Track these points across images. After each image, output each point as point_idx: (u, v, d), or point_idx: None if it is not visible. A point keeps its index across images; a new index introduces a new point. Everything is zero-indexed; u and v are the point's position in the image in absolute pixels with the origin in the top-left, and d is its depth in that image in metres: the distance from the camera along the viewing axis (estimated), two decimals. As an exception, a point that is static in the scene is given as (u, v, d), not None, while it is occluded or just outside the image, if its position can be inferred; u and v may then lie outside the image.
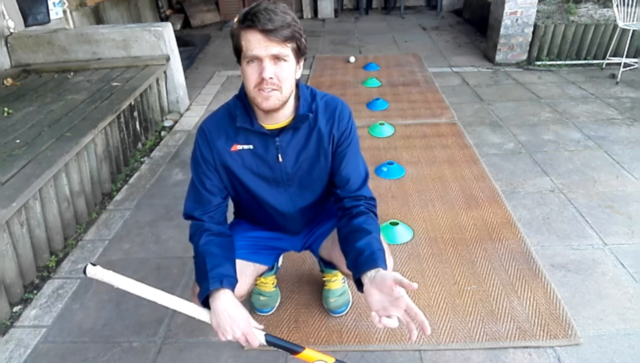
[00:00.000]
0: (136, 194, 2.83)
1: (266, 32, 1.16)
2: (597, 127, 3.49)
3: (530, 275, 2.03)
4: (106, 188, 2.86)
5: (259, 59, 1.19)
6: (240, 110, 1.35)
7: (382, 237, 1.39)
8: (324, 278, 1.91)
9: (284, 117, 1.34)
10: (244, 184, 1.42)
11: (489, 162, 3.02)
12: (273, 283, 1.92)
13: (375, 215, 1.42)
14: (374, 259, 1.21)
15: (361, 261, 1.23)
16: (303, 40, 1.25)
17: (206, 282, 1.26)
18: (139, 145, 3.42)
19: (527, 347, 1.69)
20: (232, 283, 1.29)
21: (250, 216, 1.59)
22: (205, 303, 1.27)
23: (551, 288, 1.94)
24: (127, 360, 1.72)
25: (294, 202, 1.48)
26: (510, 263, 2.10)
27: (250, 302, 1.90)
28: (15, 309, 1.99)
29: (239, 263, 1.44)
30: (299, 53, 1.25)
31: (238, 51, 1.23)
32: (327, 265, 1.72)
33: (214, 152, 1.37)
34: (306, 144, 1.39)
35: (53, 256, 2.29)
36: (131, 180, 3.01)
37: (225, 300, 1.24)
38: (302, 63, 1.30)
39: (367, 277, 1.18)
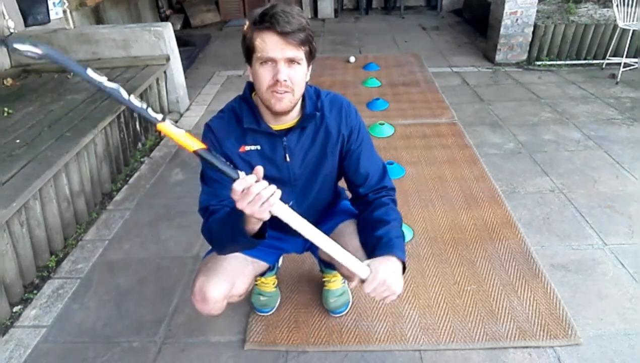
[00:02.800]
0: (136, 194, 2.83)
1: (284, 34, 1.16)
2: (597, 127, 3.49)
3: (530, 275, 2.03)
4: (106, 188, 2.86)
5: (273, 61, 1.19)
6: (246, 111, 1.34)
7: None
8: (324, 279, 1.91)
9: (291, 118, 1.35)
10: None
11: (489, 162, 3.02)
12: (273, 284, 1.92)
13: (396, 204, 1.44)
14: (390, 245, 1.29)
15: (379, 247, 1.30)
16: (314, 43, 1.26)
17: (238, 220, 1.14)
18: (139, 145, 3.42)
19: (527, 347, 1.69)
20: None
21: None
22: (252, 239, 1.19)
23: (551, 288, 1.94)
24: (127, 360, 1.72)
25: (299, 204, 1.48)
26: (510, 263, 2.10)
27: (250, 302, 1.90)
28: (15, 309, 1.99)
29: (239, 259, 1.44)
30: (311, 56, 1.26)
31: (250, 51, 1.22)
32: (327, 266, 1.72)
33: (225, 151, 1.36)
34: (313, 143, 1.39)
35: (53, 256, 2.29)
36: (131, 180, 3.01)
37: None
38: (311, 66, 1.30)
39: (378, 259, 1.26)
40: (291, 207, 1.46)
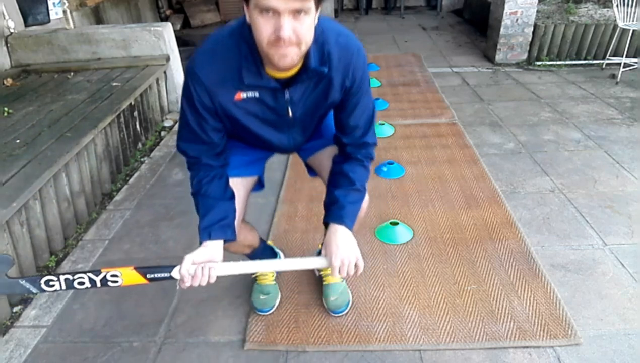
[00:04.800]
0: (136, 194, 2.83)
1: None
2: (597, 127, 3.49)
3: (530, 275, 2.03)
4: (106, 188, 2.86)
5: (275, 12, 1.01)
6: (247, 59, 1.16)
7: (365, 185, 1.45)
8: (321, 272, 1.91)
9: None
10: (246, 127, 1.33)
11: (489, 162, 3.02)
12: (272, 276, 1.92)
13: (371, 160, 1.44)
14: (340, 215, 1.35)
15: (331, 210, 1.37)
16: None
17: (199, 232, 1.32)
18: (139, 145, 3.42)
19: (527, 347, 1.69)
20: (222, 230, 1.32)
21: (244, 143, 1.51)
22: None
23: (551, 288, 1.94)
24: (127, 360, 1.72)
25: (294, 140, 1.44)
26: (510, 263, 2.10)
27: (250, 303, 1.90)
28: (15, 309, 1.98)
29: (232, 183, 1.44)
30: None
31: None
32: (312, 173, 1.71)
33: (215, 102, 1.24)
34: (314, 91, 1.29)
35: (53, 256, 2.29)
36: (131, 180, 3.01)
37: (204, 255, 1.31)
38: (320, 8, 1.12)
39: (328, 232, 1.36)
40: (288, 141, 1.43)
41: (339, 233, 1.34)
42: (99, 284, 1.28)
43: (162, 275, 1.29)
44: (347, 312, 1.86)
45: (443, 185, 2.76)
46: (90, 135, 2.65)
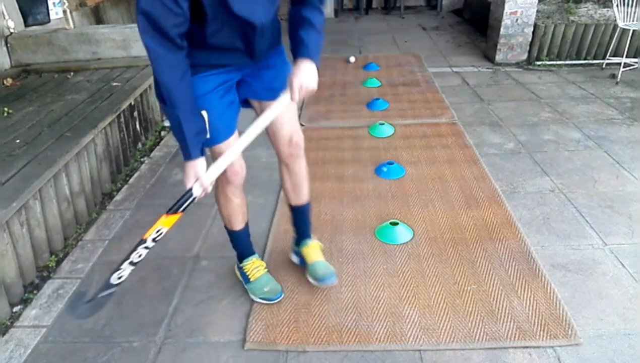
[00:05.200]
0: (136, 194, 2.83)
1: None
2: (597, 127, 3.49)
3: (530, 275, 2.03)
4: (106, 188, 2.86)
5: None
6: None
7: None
8: (303, 252, 1.97)
9: None
10: None
11: (489, 162, 3.02)
12: (263, 265, 1.95)
13: (322, 3, 1.57)
14: (308, 52, 1.50)
15: (299, 49, 1.52)
16: None
17: (186, 148, 1.45)
18: (139, 145, 3.42)
19: (527, 347, 1.69)
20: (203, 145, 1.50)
21: (211, 38, 1.48)
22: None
23: (551, 288, 1.94)
24: (127, 360, 1.72)
25: (266, 10, 1.45)
26: (510, 263, 2.10)
27: (252, 303, 1.90)
28: (15, 309, 1.98)
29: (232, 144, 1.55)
30: None
31: None
32: (247, 105, 1.73)
33: None
34: None
35: (53, 256, 2.29)
36: (131, 180, 3.01)
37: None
38: None
39: (295, 66, 1.51)
40: (259, 16, 1.43)
41: (304, 64, 1.48)
42: (151, 245, 1.45)
43: (189, 201, 1.47)
44: (347, 312, 1.85)
45: (443, 185, 2.76)
46: (90, 135, 2.65)
